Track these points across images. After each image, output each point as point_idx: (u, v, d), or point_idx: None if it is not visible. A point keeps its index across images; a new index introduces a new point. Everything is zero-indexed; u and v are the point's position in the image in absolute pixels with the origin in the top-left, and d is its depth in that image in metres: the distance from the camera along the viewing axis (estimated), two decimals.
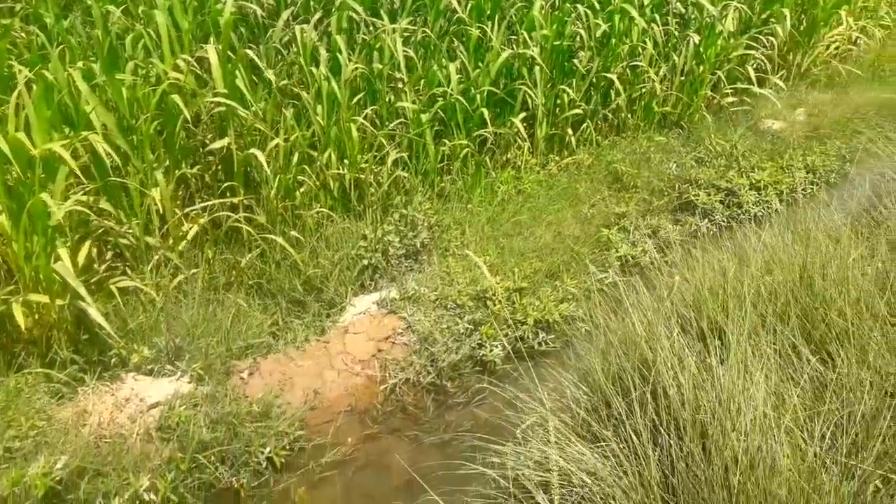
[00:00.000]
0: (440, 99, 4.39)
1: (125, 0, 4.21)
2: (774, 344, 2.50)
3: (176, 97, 3.44)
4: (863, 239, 3.28)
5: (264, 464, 2.70)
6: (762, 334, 2.52)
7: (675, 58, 5.33)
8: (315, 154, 3.93)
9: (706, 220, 4.61)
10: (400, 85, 4.37)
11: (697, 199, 4.67)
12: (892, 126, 5.53)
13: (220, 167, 3.76)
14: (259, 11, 4.27)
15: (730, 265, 3.08)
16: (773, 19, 5.87)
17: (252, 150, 3.55)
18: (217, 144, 3.62)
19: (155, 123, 3.51)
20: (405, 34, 4.55)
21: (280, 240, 3.49)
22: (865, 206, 4.08)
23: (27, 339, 2.87)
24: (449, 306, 3.50)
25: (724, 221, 4.59)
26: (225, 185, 3.64)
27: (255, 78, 4.02)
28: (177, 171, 3.54)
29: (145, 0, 4.06)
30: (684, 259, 3.32)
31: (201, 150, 3.78)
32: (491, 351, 3.31)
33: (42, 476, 2.34)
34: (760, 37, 5.78)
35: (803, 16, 6.34)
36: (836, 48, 6.90)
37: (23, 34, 4.33)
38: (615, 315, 2.90)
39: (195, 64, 3.76)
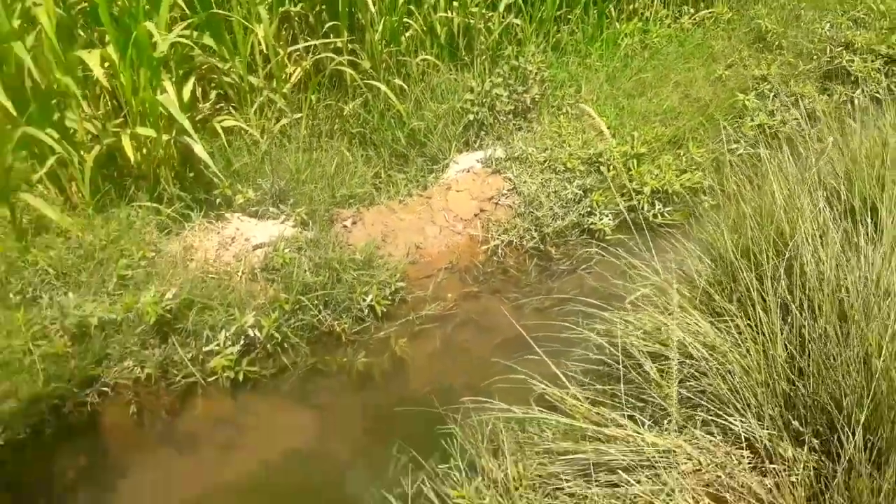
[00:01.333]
0: None
1: None
2: None
3: None
4: None
5: (366, 311, 2.67)
6: None
7: None
8: None
9: (860, 90, 4.01)
10: None
11: (852, 66, 4.05)
12: None
13: (323, 6, 3.53)
14: None
15: (891, 134, 2.65)
16: None
17: None
18: None
19: None
20: None
21: (384, 88, 3.30)
22: None
23: (136, 173, 2.89)
24: (558, 169, 3.24)
25: (881, 93, 3.98)
26: (329, 25, 3.43)
27: None
28: (280, 9, 3.35)
29: None
30: (837, 128, 2.89)
31: None
32: (601, 219, 3.08)
33: (153, 304, 2.40)
34: None
35: None
36: None
37: None
38: (750, 185, 2.59)
39: None
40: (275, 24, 3.29)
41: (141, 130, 2.80)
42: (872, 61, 4.11)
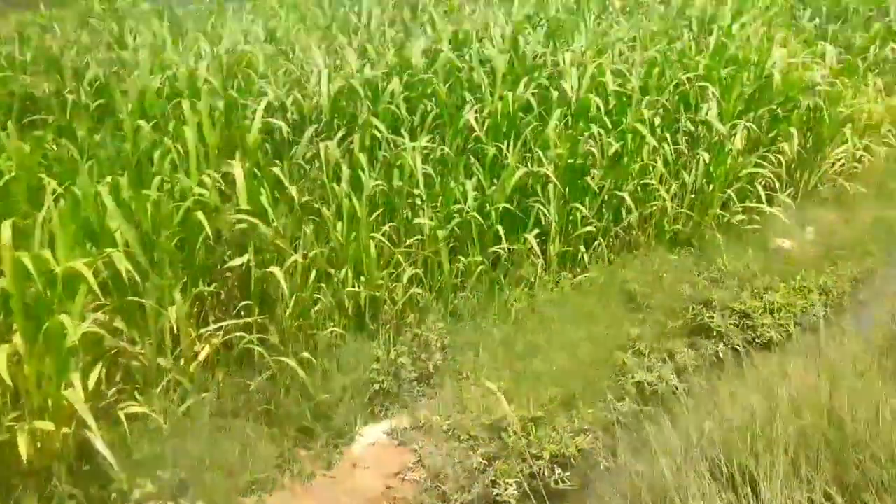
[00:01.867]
0: (456, 216, 4.43)
1: (156, 115, 4.33)
2: (809, 493, 2.40)
3: (200, 214, 3.46)
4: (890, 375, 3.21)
5: None
6: (794, 483, 2.44)
7: (686, 176, 5.40)
8: (332, 271, 3.92)
9: (722, 343, 4.53)
10: (418, 202, 4.42)
11: (712, 322, 4.61)
12: None
13: (237, 284, 3.74)
14: (285, 128, 4.37)
15: (756, 403, 3.00)
16: (780, 137, 5.97)
17: (271, 268, 3.54)
18: (237, 262, 3.61)
19: (176, 239, 3.53)
20: (424, 151, 4.65)
21: (292, 362, 3.43)
22: (886, 334, 4.01)
23: (27, 470, 2.76)
24: (462, 437, 3.38)
25: (740, 346, 4.50)
26: (241, 303, 3.61)
27: (277, 193, 4.07)
28: (194, 289, 3.52)
29: (175, 115, 4.16)
30: (709, 393, 3.25)
31: (219, 266, 3.77)
32: (506, 490, 3.18)
33: None
34: (769, 154, 5.86)
35: (809, 133, 6.46)
36: (842, 165, 7.00)
37: (54, 146, 4.43)
38: (638, 454, 2.81)
39: (220, 180, 3.81)
40: (188, 303, 3.43)
41: (39, 424, 2.73)
42: (729, 317, 4.70)
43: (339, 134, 4.49)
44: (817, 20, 10.41)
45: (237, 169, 3.62)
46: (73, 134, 4.31)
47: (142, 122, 4.03)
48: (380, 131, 4.57)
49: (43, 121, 4.92)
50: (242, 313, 3.58)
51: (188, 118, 3.81)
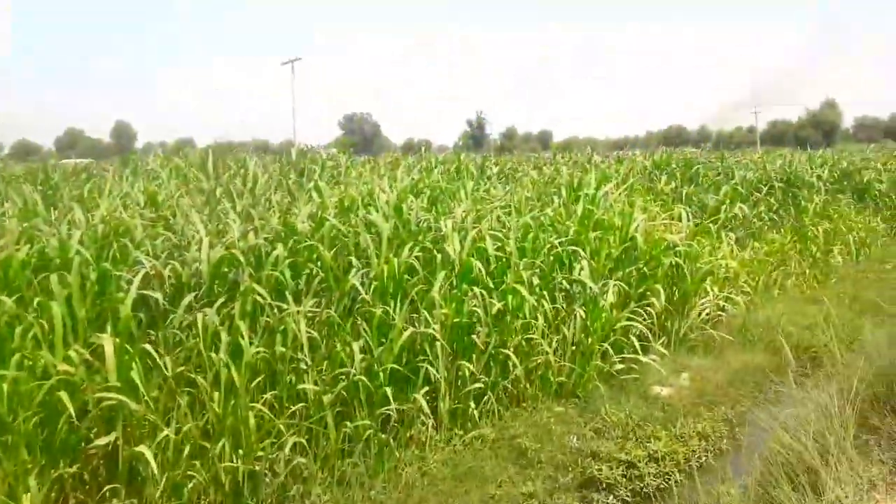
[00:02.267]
0: (343, 379, 4.47)
1: (21, 287, 4.21)
2: None
3: (63, 394, 3.32)
4: None
5: None
6: None
7: (566, 330, 5.78)
8: (208, 445, 3.78)
9: (612, 496, 4.65)
10: (303, 366, 4.44)
11: (601, 474, 4.75)
12: (766, 389, 6.07)
13: (102, 464, 3.53)
14: (161, 298, 4.36)
15: None
16: (649, 293, 6.58)
17: (140, 448, 3.39)
18: (102, 441, 3.43)
19: (36, 418, 3.34)
20: (309, 314, 4.74)
21: None
22: (759, 479, 4.29)
23: None
24: None
25: (629, 497, 4.64)
26: (107, 486, 3.39)
27: (149, 362, 3.98)
28: (53, 472, 3.28)
29: (43, 286, 4.07)
30: None
31: (84, 444, 3.56)
32: None
33: None
34: (639, 309, 6.41)
35: (675, 287, 7.15)
36: (708, 314, 7.72)
37: None
38: None
39: (88, 355, 3.70)
40: (44, 489, 3.19)
41: None
42: (616, 467, 4.86)
43: (219, 301, 4.51)
44: (673, 184, 11.90)
45: (107, 344, 3.55)
46: None
47: (2, 298, 3.90)
48: (262, 297, 4.64)
49: None
50: (108, 496, 3.34)
51: (56, 292, 3.75)
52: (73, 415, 3.34)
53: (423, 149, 18.84)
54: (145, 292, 4.32)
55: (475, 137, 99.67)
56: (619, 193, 8.25)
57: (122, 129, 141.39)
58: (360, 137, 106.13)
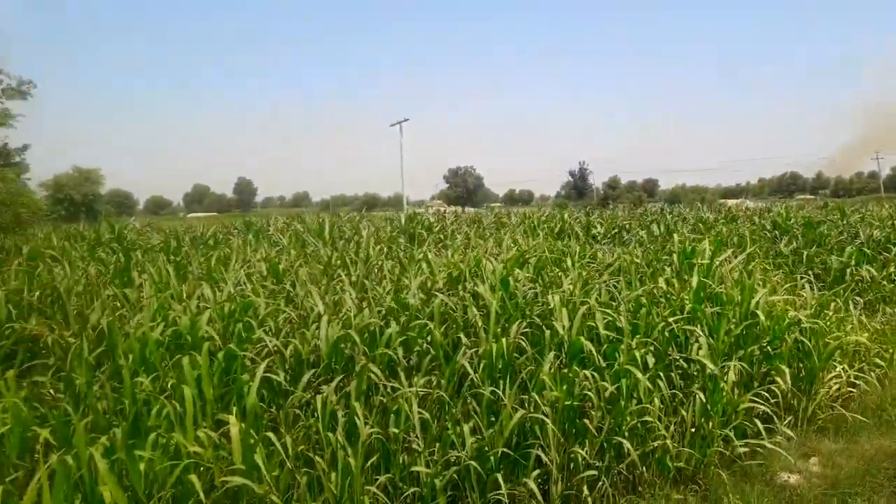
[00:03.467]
0: (455, 462, 4.41)
1: (155, 364, 4.50)
2: None
3: (193, 477, 3.46)
4: None
5: None
6: None
7: (684, 413, 5.47)
8: None
9: None
10: (415, 447, 4.43)
11: None
12: None
13: None
14: (282, 379, 4.51)
15: None
16: (773, 372, 6.14)
17: None
18: None
19: (169, 496, 3.50)
20: (420, 393, 4.76)
21: None
22: None
23: None
24: None
25: None
26: None
27: (271, 437, 4.10)
28: None
29: (174, 372, 4.32)
30: None
31: None
32: None
33: None
34: (763, 391, 5.98)
35: (801, 365, 6.65)
36: (838, 391, 7.11)
37: (51, 390, 4.54)
38: None
39: (216, 438, 3.86)
40: None
41: None
42: None
43: (336, 380, 4.61)
44: (794, 244, 11.24)
45: (233, 429, 3.69)
46: (73, 380, 4.43)
47: (141, 378, 4.16)
48: (377, 376, 4.71)
49: (44, 364, 5.07)
50: None
51: (187, 374, 3.96)
52: (202, 497, 3.47)
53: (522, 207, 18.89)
54: (269, 374, 4.48)
55: (577, 188, 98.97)
56: (738, 262, 7.85)
57: (244, 185, 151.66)
58: (464, 190, 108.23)
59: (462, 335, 5.48)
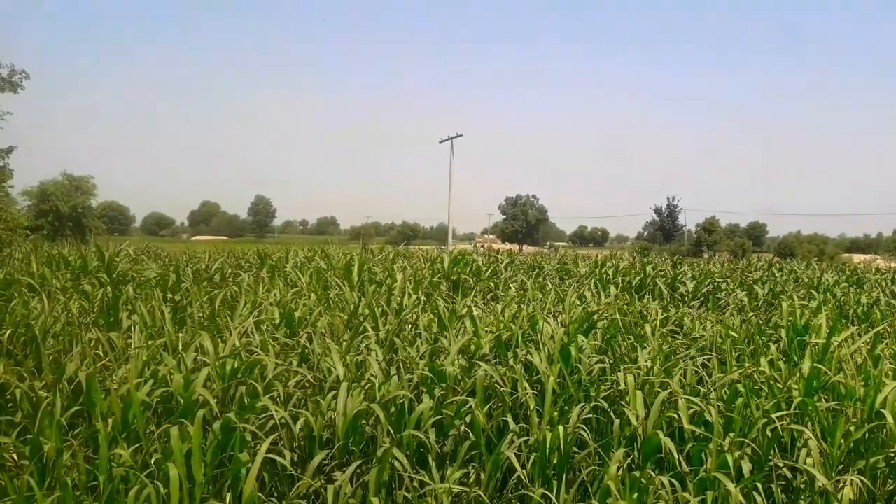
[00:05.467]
0: None
1: (140, 431, 4.55)
2: None
3: None
4: None
5: None
6: None
7: None
8: None
9: None
10: None
11: None
12: None
13: None
14: (287, 463, 4.50)
15: None
16: None
17: None
18: None
19: None
20: (453, 488, 4.69)
21: None
22: None
23: None
24: None
25: None
26: None
27: None
28: None
29: (160, 443, 4.36)
30: None
31: None
32: None
33: None
34: None
35: None
36: None
37: (14, 455, 4.63)
38: None
39: None
40: None
41: None
42: None
43: (353, 466, 4.59)
44: None
45: None
46: (41, 444, 4.51)
47: (120, 450, 4.21)
48: (402, 465, 4.67)
49: (9, 422, 5.19)
50: None
51: (175, 449, 4.00)
52: None
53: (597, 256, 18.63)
54: (271, 455, 4.48)
55: (664, 228, 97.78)
56: (862, 342, 7.58)
57: (261, 206, 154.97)
58: (524, 223, 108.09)
59: (510, 417, 5.40)
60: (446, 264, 12.97)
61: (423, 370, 5.79)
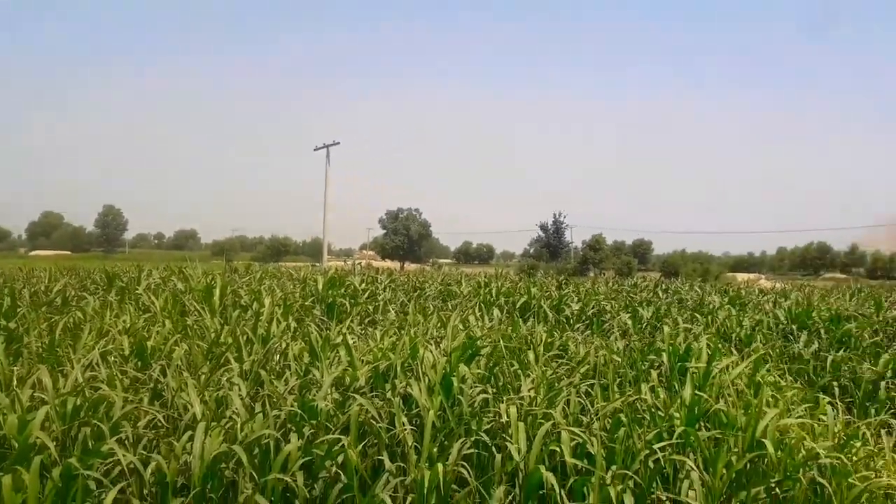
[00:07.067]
0: None
1: None
2: None
3: None
4: None
5: None
6: None
7: None
8: None
9: None
10: None
11: None
12: None
13: None
14: None
15: None
16: None
17: None
18: None
19: None
20: None
21: None
22: None
23: None
24: None
25: None
26: None
27: None
28: None
29: None
30: None
31: None
32: None
33: None
34: None
35: None
36: None
37: None
38: None
39: None
40: None
41: None
42: None
43: None
44: (816, 344, 11.55)
45: None
46: None
47: None
48: None
49: None
50: None
51: (7, 501, 3.80)
52: None
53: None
54: None
55: (550, 245, 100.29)
56: (743, 368, 8.02)
57: (111, 216, 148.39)
58: (405, 239, 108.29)
59: (385, 455, 5.40)
60: (320, 286, 12.84)
61: (291, 406, 5.70)
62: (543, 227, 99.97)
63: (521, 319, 11.95)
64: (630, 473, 5.55)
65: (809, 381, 9.96)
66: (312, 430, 5.46)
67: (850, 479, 6.43)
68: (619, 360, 8.44)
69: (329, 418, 5.73)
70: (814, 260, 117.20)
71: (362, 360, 7.16)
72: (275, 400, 5.95)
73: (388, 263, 76.97)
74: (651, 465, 5.81)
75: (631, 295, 17.90)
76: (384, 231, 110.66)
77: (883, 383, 9.99)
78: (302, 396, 5.98)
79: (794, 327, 12.73)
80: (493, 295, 15.52)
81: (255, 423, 5.34)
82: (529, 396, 6.55)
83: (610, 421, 6.25)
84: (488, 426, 6.06)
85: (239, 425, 5.29)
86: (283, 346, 7.89)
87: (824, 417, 7.19)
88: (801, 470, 6.07)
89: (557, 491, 5.22)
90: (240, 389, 6.10)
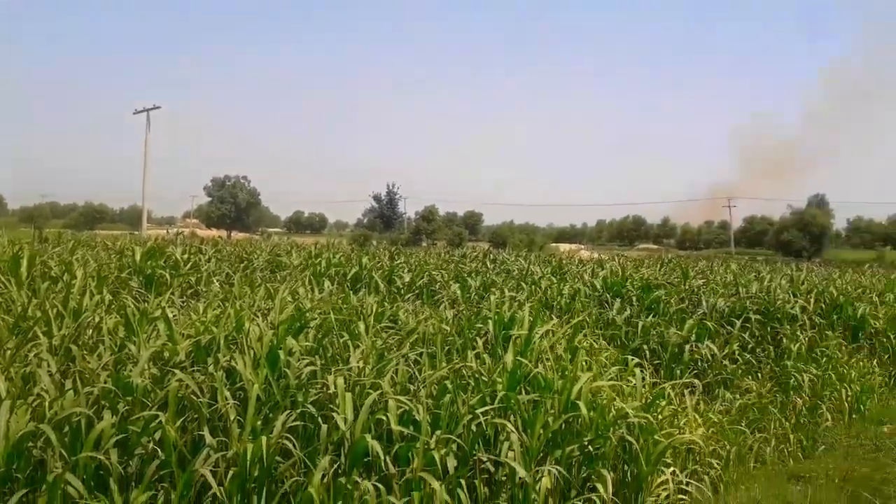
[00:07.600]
0: None
1: None
2: None
3: None
4: None
5: None
6: None
7: None
8: None
9: None
10: None
11: None
12: None
13: None
14: None
15: None
16: (594, 477, 6.64)
17: None
18: None
19: None
20: None
21: None
22: None
23: None
24: None
25: None
26: None
27: None
28: None
29: None
30: None
31: None
32: None
33: None
34: (580, 502, 6.43)
35: (626, 468, 7.26)
36: (667, 498, 7.85)
37: None
38: None
39: None
40: None
41: None
42: None
43: (17, 496, 4.28)
44: (628, 311, 12.32)
45: None
46: None
47: None
48: (77, 490, 4.43)
49: None
50: None
51: None
52: None
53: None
54: None
55: (384, 216, 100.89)
56: (562, 334, 8.46)
57: None
58: (233, 207, 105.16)
59: (206, 430, 5.33)
60: (138, 257, 12.33)
61: (105, 382, 5.50)
62: (377, 198, 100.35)
63: (352, 290, 11.99)
64: (454, 438, 5.76)
65: (622, 346, 10.65)
66: (128, 407, 5.30)
67: (655, 436, 6.98)
68: (448, 329, 8.67)
69: (146, 394, 5.58)
70: (630, 232, 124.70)
71: (183, 335, 6.97)
72: (87, 376, 5.72)
73: (215, 232, 74.65)
74: (474, 428, 6.06)
75: (461, 265, 18.33)
76: (210, 199, 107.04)
77: (687, 347, 10.85)
78: (117, 372, 5.78)
79: (609, 295, 13.51)
80: (325, 266, 15.45)
81: (66, 400, 5.12)
82: (358, 367, 6.62)
83: (436, 388, 6.44)
84: (315, 398, 6.09)
85: (47, 403, 5.06)
86: (97, 319, 7.55)
87: (633, 379, 7.73)
88: (611, 429, 6.52)
89: (382, 458, 5.35)
90: (49, 365, 5.82)
